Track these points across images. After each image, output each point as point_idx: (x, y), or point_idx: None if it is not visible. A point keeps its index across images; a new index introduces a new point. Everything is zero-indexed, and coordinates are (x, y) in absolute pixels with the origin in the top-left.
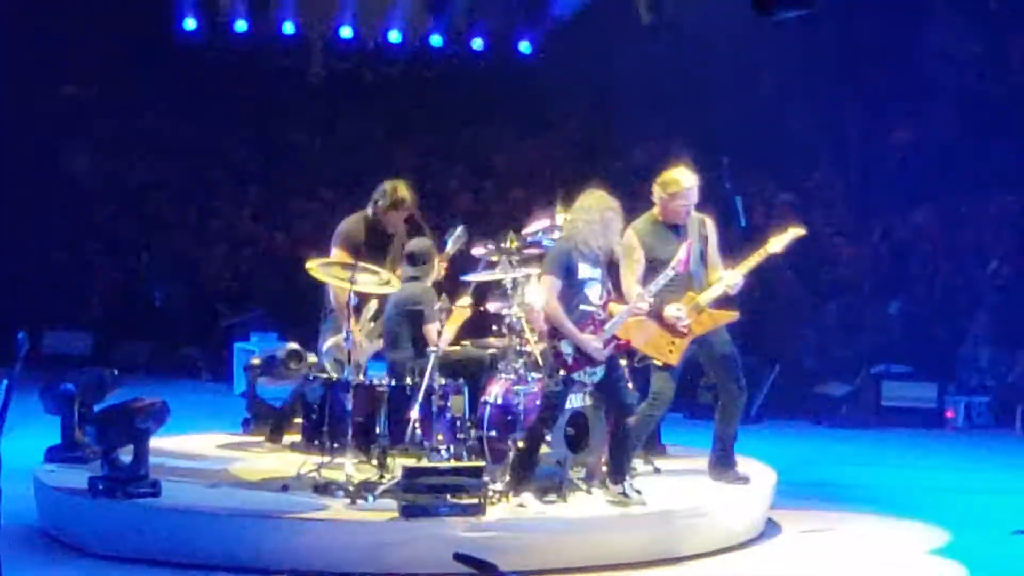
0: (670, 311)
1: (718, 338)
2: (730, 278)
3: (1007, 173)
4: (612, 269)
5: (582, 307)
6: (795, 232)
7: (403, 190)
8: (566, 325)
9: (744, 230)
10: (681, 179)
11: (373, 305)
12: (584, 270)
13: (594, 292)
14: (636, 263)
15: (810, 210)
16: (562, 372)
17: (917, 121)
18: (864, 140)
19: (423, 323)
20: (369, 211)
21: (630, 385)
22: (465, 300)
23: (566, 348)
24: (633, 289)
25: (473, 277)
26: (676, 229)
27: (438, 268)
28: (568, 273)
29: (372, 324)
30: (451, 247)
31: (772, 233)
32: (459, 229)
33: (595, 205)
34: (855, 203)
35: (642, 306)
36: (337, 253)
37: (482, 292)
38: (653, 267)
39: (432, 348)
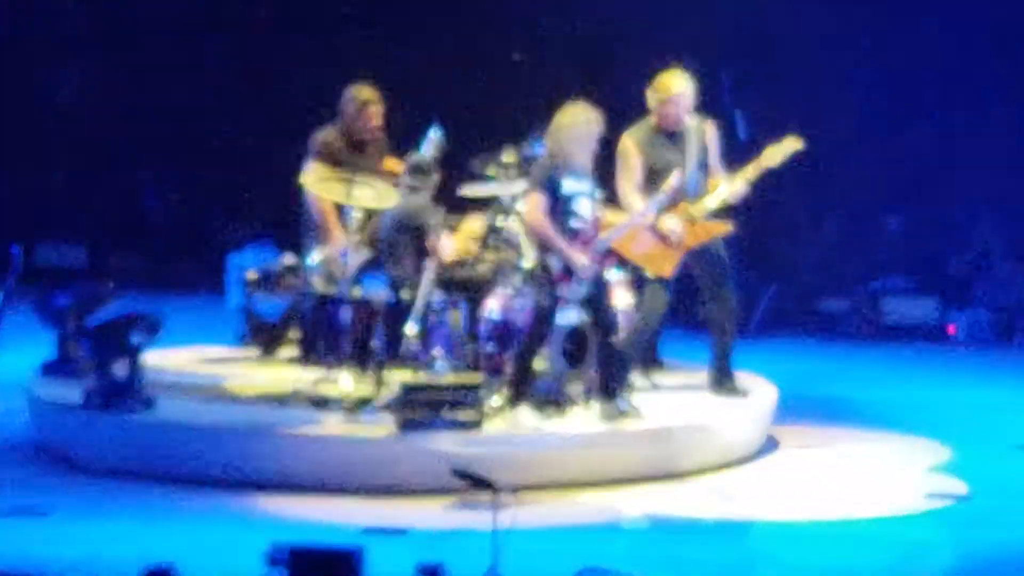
0: (664, 223)
1: (711, 248)
2: (727, 189)
3: (1009, 88)
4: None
5: (572, 223)
6: (792, 144)
7: (366, 91)
8: (552, 238)
9: (745, 144)
10: (672, 84)
11: (357, 216)
12: (569, 184)
13: (583, 206)
14: (633, 170)
15: (811, 125)
16: (548, 286)
17: (915, 37)
18: (865, 56)
19: (424, 237)
20: (341, 122)
21: (625, 301)
22: (476, 217)
23: (554, 262)
24: (631, 197)
25: (470, 191)
26: (673, 136)
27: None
28: (553, 188)
29: (357, 236)
30: (430, 152)
31: (769, 145)
32: (433, 132)
33: (575, 119)
34: (855, 118)
35: (642, 222)
36: (315, 166)
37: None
38: (652, 175)
39: (429, 262)
